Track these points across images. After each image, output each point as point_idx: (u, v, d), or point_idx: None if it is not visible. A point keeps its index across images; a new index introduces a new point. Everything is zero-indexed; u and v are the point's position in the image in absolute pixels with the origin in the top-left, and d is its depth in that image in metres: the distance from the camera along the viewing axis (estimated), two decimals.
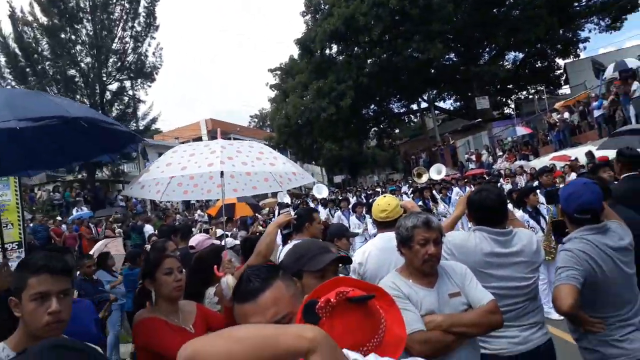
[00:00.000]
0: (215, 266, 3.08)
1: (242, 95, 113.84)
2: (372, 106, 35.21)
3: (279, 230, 3.26)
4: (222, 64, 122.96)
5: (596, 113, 16.76)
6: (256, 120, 62.83)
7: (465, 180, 16.82)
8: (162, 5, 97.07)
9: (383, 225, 3.49)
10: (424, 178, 20.70)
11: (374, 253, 3.34)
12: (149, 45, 25.05)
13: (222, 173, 3.19)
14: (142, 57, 24.68)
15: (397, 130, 47.25)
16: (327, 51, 30.70)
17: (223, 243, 3.96)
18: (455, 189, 15.87)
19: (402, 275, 2.56)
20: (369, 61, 29.59)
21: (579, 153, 15.11)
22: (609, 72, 16.90)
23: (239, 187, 3.79)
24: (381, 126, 38.18)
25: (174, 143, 40.39)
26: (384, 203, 3.54)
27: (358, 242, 10.22)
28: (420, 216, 2.53)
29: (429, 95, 33.44)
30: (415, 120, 42.09)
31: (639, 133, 11.50)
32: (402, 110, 37.66)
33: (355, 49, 30.37)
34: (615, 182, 4.59)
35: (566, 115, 19.07)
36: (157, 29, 24.83)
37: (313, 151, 40.11)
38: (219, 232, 9.72)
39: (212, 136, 44.60)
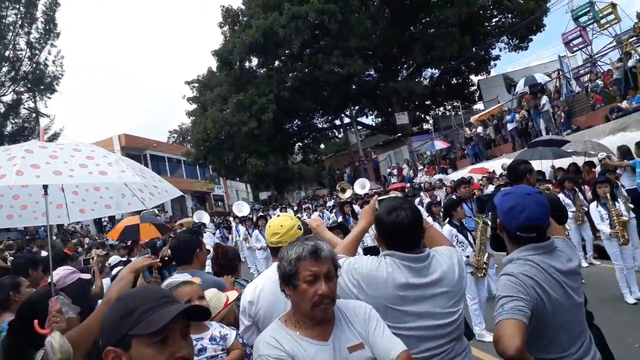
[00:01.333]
0: (37, 320, 2.15)
1: (162, 109, 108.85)
2: (296, 121, 34.76)
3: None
4: (139, 76, 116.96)
5: (509, 126, 17.25)
6: (175, 135, 60.18)
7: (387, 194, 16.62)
8: (68, 11, 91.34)
9: (277, 253, 2.74)
10: (348, 193, 20.45)
11: (268, 288, 2.56)
12: (49, 53, 22.94)
13: (45, 189, 2.27)
14: (41, 66, 22.47)
15: (322, 146, 47.26)
16: (247, 64, 29.84)
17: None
18: (326, 213, 15.62)
19: (286, 326, 1.90)
20: (290, 75, 29.09)
21: (495, 165, 15.36)
22: (520, 87, 17.52)
23: (87, 206, 2.84)
24: (305, 141, 37.74)
25: None
26: (276, 225, 2.78)
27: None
28: (307, 244, 1.83)
29: (351, 111, 33.53)
30: (340, 135, 42.25)
31: (551, 144, 11.79)
32: (325, 126, 37.58)
33: (276, 62, 29.78)
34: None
35: (480, 129, 19.56)
36: (57, 36, 22.81)
37: (237, 167, 38.87)
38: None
39: (127, 153, 42.16)
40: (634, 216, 6.70)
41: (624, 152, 9.02)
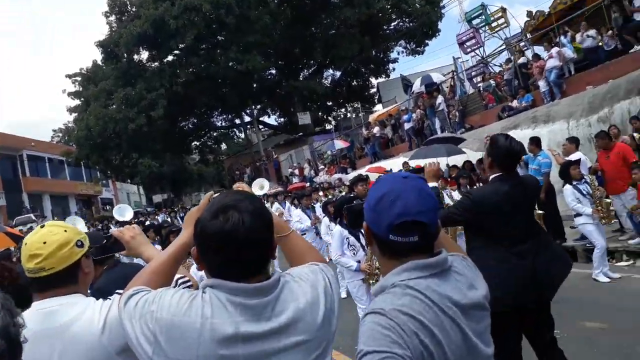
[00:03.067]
0: None
1: (45, 106, 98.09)
2: (193, 119, 32.84)
3: None
4: (16, 70, 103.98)
5: (406, 126, 17.18)
6: (60, 134, 54.66)
7: (288, 194, 15.84)
8: None
9: (41, 287, 1.64)
10: None
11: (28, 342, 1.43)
12: None
13: None
14: None
15: (224, 146, 45.34)
16: (136, 56, 27.53)
17: None
18: (275, 205, 14.65)
19: None
20: (185, 70, 27.24)
21: (393, 164, 15.09)
22: (417, 86, 17.57)
23: None
24: (202, 140, 35.87)
25: None
26: (35, 242, 1.66)
27: None
28: None
29: (252, 110, 32.33)
30: (243, 135, 40.82)
31: (445, 141, 11.60)
32: (225, 124, 36.03)
33: (170, 56, 27.79)
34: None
35: (376, 129, 19.44)
36: None
37: (127, 168, 35.91)
38: None
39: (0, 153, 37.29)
40: None
41: None
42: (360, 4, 25.33)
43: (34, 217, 31.24)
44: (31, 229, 25.96)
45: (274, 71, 30.92)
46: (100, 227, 19.33)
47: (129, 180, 46.64)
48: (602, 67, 10.94)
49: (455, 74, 17.02)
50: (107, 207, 49.14)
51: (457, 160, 10.69)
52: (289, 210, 12.03)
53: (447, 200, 7.11)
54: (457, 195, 7.60)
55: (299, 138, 28.27)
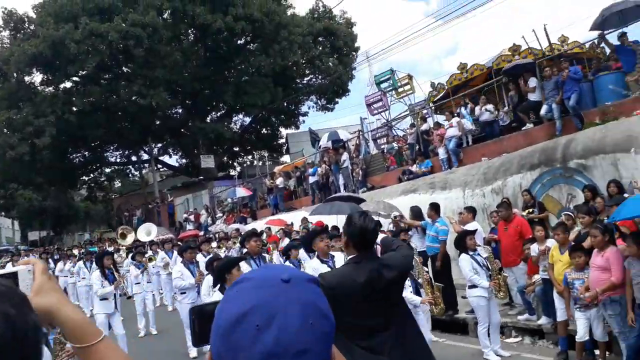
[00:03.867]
0: None
1: None
2: (85, 152, 30.35)
3: None
4: None
5: (311, 179, 16.94)
6: None
7: (178, 242, 14.64)
8: None
9: None
10: (130, 239, 17.91)
11: None
12: None
13: None
14: None
15: (118, 183, 42.39)
16: (27, 78, 25.22)
17: None
18: (161, 254, 13.34)
19: None
20: (82, 99, 25.29)
21: (295, 217, 14.58)
22: (324, 141, 17.54)
23: None
24: (92, 175, 33.21)
25: None
26: None
27: None
28: None
29: (151, 148, 30.55)
30: (138, 173, 38.43)
31: (349, 200, 11.35)
32: (120, 160, 33.71)
33: (67, 82, 25.78)
34: None
35: (279, 180, 19.02)
36: None
37: (1, 199, 32.07)
38: None
39: None
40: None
41: (416, 213, 8.77)
42: (275, 54, 25.46)
43: None
44: None
45: (180, 110, 29.78)
46: None
47: (2, 213, 41.67)
48: (497, 140, 11.49)
49: (361, 133, 17.26)
50: None
51: None
52: (174, 261, 10.90)
53: None
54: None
55: (198, 182, 27.02)
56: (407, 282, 5.02)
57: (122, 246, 16.72)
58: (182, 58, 24.93)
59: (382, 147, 16.24)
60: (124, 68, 26.13)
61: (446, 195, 10.77)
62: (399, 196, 12.07)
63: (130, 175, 38.34)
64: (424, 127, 13.75)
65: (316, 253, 5.22)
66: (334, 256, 4.55)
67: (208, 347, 2.84)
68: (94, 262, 9.92)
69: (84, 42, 22.11)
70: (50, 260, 17.02)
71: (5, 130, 23.60)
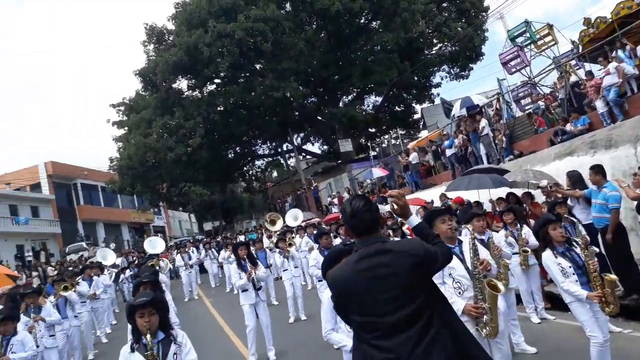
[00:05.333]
0: None
1: (88, 135, 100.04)
2: (237, 148, 32.70)
3: None
4: (67, 99, 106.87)
5: (448, 152, 15.93)
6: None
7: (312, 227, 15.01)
8: None
9: None
10: (278, 225, 18.65)
11: None
12: None
13: None
14: None
15: (275, 173, 45.14)
16: (174, 85, 27.75)
17: None
18: (305, 238, 13.75)
19: None
20: (224, 99, 27.21)
21: (434, 194, 13.86)
22: (456, 109, 16.35)
23: None
24: (245, 169, 35.66)
25: (5, 191, 33.90)
26: None
27: None
28: None
29: (293, 137, 31.88)
30: (286, 163, 40.63)
31: (489, 172, 10.36)
32: (268, 152, 35.79)
33: (208, 84, 27.88)
34: None
35: (413, 156, 18.20)
36: None
37: (176, 196, 36.21)
38: None
39: (55, 182, 38.53)
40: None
41: (575, 179, 7.46)
42: (398, 28, 24.53)
43: (85, 245, 31.84)
44: (82, 257, 26.39)
45: (313, 99, 30.46)
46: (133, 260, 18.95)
47: (180, 208, 47.08)
48: None
49: (500, 95, 15.69)
50: (159, 235, 50.10)
51: (500, 193, 9.44)
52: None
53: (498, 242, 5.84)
54: (499, 237, 6.38)
55: (337, 166, 27.38)
56: (557, 269, 4.10)
57: (274, 232, 17.27)
58: (306, 47, 25.17)
59: (527, 108, 14.57)
60: (256, 65, 27.37)
61: (612, 154, 9.17)
62: (552, 161, 10.66)
63: (283, 165, 40.62)
64: (573, 79, 11.91)
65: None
66: (462, 242, 3.84)
67: (343, 341, 2.57)
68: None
69: (214, 45, 23.47)
70: (211, 250, 18.66)
71: (164, 135, 26.01)
